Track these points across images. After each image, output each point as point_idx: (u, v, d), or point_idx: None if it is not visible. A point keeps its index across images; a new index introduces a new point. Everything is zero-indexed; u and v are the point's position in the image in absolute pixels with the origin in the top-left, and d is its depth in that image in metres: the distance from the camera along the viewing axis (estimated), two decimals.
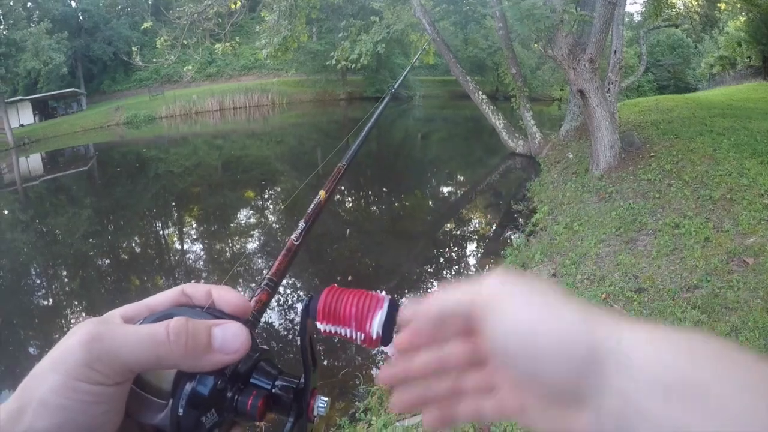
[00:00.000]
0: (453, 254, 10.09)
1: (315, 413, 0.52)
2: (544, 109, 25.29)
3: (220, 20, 17.88)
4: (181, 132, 33.39)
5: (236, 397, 0.49)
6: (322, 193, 0.77)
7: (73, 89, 39.63)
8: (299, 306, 8.17)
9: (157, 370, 0.47)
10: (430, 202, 14.79)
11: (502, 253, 8.33)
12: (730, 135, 10.10)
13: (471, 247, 10.61)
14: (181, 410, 0.45)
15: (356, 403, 4.89)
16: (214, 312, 0.51)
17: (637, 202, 8.12)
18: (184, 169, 21.18)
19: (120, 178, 20.24)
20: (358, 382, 5.27)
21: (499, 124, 15.87)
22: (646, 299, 5.16)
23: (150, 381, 0.48)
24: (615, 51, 10.90)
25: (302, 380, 0.52)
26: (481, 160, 18.95)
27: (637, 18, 33.45)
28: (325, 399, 0.53)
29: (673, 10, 22.56)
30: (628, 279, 5.77)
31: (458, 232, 11.40)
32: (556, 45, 9.86)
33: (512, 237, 9.66)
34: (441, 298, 0.50)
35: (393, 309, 0.53)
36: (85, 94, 42.52)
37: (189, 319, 0.46)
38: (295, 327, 7.50)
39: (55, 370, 0.41)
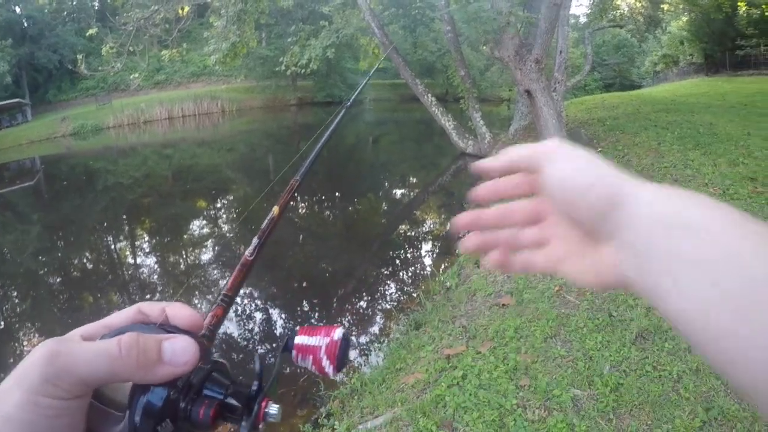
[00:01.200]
0: (408, 255, 10.14)
1: (267, 419, 0.54)
2: (494, 109, 25.66)
3: (167, 26, 17.57)
4: (130, 142, 32.80)
5: (189, 407, 0.50)
6: (275, 209, 0.78)
7: (17, 100, 38.50)
8: (257, 316, 8.12)
9: (112, 383, 0.49)
10: (384, 205, 14.83)
11: (456, 251, 8.40)
12: (673, 129, 10.39)
13: (426, 247, 10.67)
14: (137, 421, 0.47)
15: (318, 408, 4.87)
16: (168, 328, 0.53)
17: None
18: (133, 181, 20.81)
19: (68, 192, 19.78)
20: (319, 388, 5.25)
21: (449, 125, 16.00)
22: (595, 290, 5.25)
23: (108, 395, 0.51)
24: (561, 51, 11.13)
25: (253, 388, 0.54)
26: (432, 162, 19.08)
27: (582, 19, 34.12)
28: (277, 406, 0.54)
29: (618, 11, 23.10)
30: None
31: (412, 233, 11.46)
32: (503, 47, 10.01)
33: (466, 235, 9.74)
34: (511, 150, 0.59)
35: (346, 342, 0.58)
36: (30, 105, 41.32)
37: (140, 334, 0.49)
38: (254, 337, 7.45)
39: (18, 386, 0.43)
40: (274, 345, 7.15)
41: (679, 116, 11.84)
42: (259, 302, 8.59)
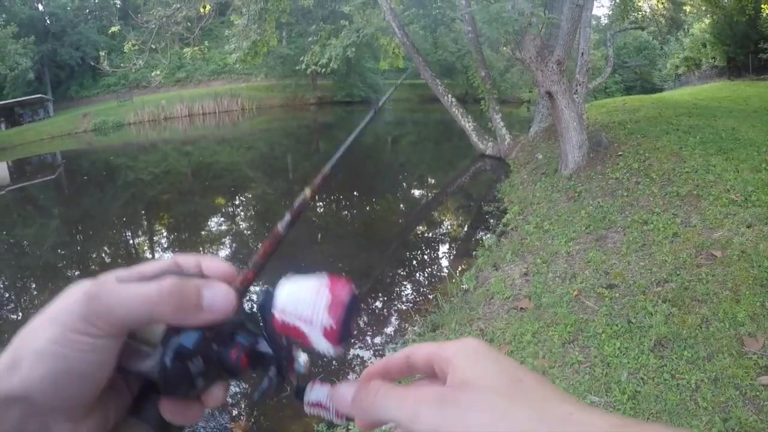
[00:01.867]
0: (425, 256, 10.13)
1: (296, 368, 0.55)
2: (513, 111, 25.55)
3: (189, 24, 17.71)
4: (150, 138, 33.03)
5: (221, 350, 0.51)
6: (308, 191, 0.75)
7: (39, 95, 38.90)
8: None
9: (150, 324, 0.50)
10: (402, 206, 14.81)
11: (474, 253, 8.37)
12: (695, 133, 10.28)
13: (443, 248, 10.65)
14: (169, 358, 0.48)
15: None
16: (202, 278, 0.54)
17: (605, 200, 8.22)
18: (153, 177, 20.96)
19: (89, 187, 19.97)
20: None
21: (469, 126, 15.96)
22: (617, 295, 5.23)
23: (143, 335, 0.51)
24: (582, 53, 11.04)
25: (284, 339, 0.54)
26: (451, 163, 19.04)
27: (604, 21, 33.95)
28: (305, 355, 0.56)
29: (640, 13, 22.88)
30: (599, 275, 5.84)
31: (430, 235, 11.44)
32: (524, 48, 9.95)
33: (483, 237, 9.70)
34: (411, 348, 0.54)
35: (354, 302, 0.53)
36: (52, 101, 41.75)
37: (181, 279, 0.49)
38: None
39: (53, 323, 0.44)
40: None
41: (701, 120, 11.72)
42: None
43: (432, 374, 0.51)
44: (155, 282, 0.48)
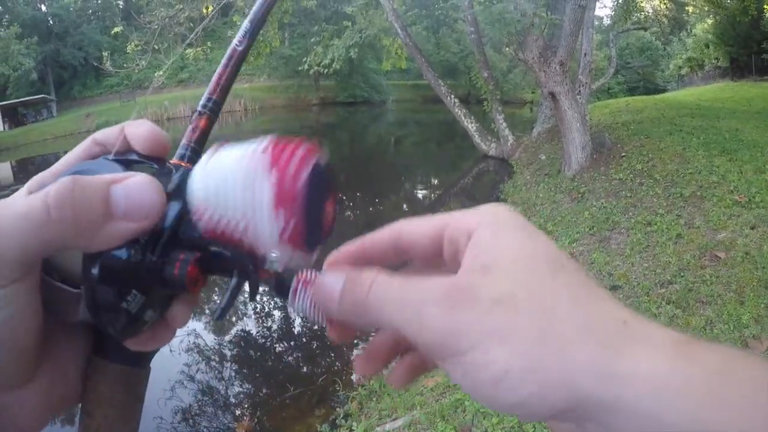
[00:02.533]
0: None
1: (267, 265, 0.38)
2: (516, 111, 25.50)
3: (191, 25, 17.72)
4: None
5: (158, 265, 0.37)
6: None
7: (43, 95, 39.01)
8: (276, 315, 8.12)
9: (51, 253, 0.35)
10: (405, 206, 14.78)
11: None
12: (699, 134, 10.25)
13: None
14: (94, 298, 0.36)
15: (336, 409, 4.86)
16: (126, 157, 0.41)
17: (609, 201, 8.21)
18: None
19: None
20: (337, 388, 5.24)
21: (472, 127, 15.93)
22: (621, 296, 5.21)
23: (63, 265, 0.38)
24: (585, 54, 11.02)
25: None
26: (454, 164, 19.01)
27: (606, 21, 33.83)
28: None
29: (642, 13, 22.86)
30: (602, 277, 5.82)
31: None
32: (527, 48, 9.94)
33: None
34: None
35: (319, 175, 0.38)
36: (56, 101, 41.89)
37: (76, 179, 0.34)
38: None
39: None
40: (293, 346, 7.17)
41: (704, 121, 11.70)
42: (278, 300, 8.58)
43: (434, 262, 0.40)
44: (40, 193, 0.33)
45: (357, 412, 4.60)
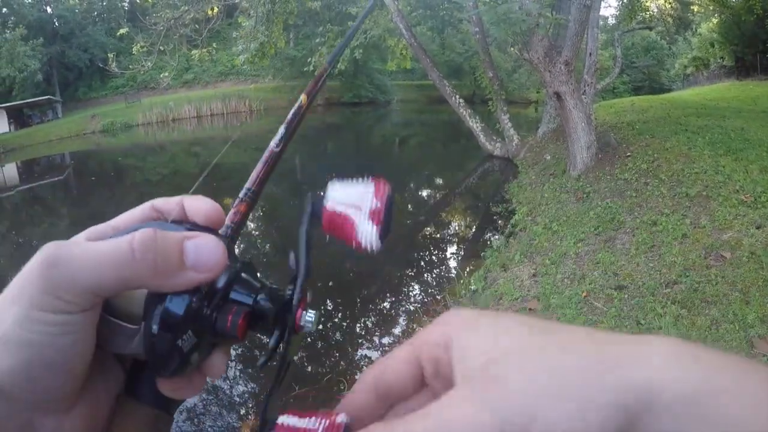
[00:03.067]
0: (433, 257, 10.12)
1: (302, 323, 0.47)
2: (521, 111, 25.51)
3: (196, 26, 17.77)
4: (158, 140, 33.14)
5: (214, 315, 0.43)
6: (303, 97, 0.70)
7: (48, 97, 39.06)
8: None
9: (124, 292, 0.41)
10: (410, 206, 14.79)
11: (482, 254, 8.36)
12: (704, 133, 10.23)
13: (451, 249, 10.64)
14: (154, 335, 0.40)
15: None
16: (187, 225, 0.46)
17: (614, 201, 8.20)
18: (161, 178, 21.03)
19: (97, 188, 20.04)
20: (342, 388, 5.26)
21: (477, 127, 15.94)
22: (626, 296, 5.21)
23: (120, 305, 0.43)
24: (590, 53, 11.01)
25: (288, 291, 0.47)
26: (459, 164, 19.01)
27: (611, 21, 33.82)
28: (314, 312, 0.47)
29: (647, 13, 22.86)
30: (607, 277, 5.82)
31: (438, 235, 11.43)
32: (531, 48, 9.94)
33: (492, 239, 9.70)
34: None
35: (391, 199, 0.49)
36: (61, 102, 41.93)
37: (157, 231, 0.40)
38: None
39: (14, 302, 0.37)
40: (297, 346, 7.19)
41: (709, 121, 11.67)
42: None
43: (417, 387, 0.41)
44: (126, 236, 0.39)
45: None
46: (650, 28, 34.36)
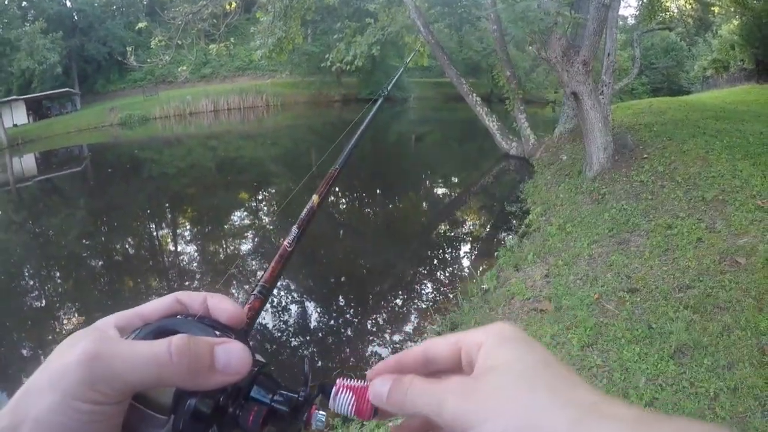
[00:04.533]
0: (447, 255, 10.11)
1: (313, 426, 0.52)
2: (538, 111, 25.40)
3: (215, 21, 17.81)
4: (175, 133, 33.37)
5: (237, 412, 0.48)
6: (315, 198, 0.76)
7: (67, 89, 39.42)
8: (293, 309, 8.19)
9: (159, 387, 0.45)
10: (424, 204, 14.81)
11: (495, 254, 8.34)
12: (722, 137, 10.14)
13: (465, 248, 10.63)
14: (182, 427, 0.45)
15: None
16: (210, 323, 0.51)
17: (629, 203, 8.15)
18: (177, 171, 21.16)
19: (114, 179, 20.20)
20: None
21: (493, 126, 15.90)
22: (638, 299, 5.18)
23: (149, 396, 0.47)
24: (608, 53, 10.94)
25: (301, 394, 0.52)
26: (474, 162, 18.99)
27: (630, 21, 33.54)
28: (324, 413, 0.53)
29: (667, 13, 22.64)
30: (620, 279, 5.79)
31: (452, 234, 11.42)
32: (550, 47, 9.88)
33: (505, 238, 9.69)
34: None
35: None
36: (80, 94, 42.31)
37: (191, 338, 0.45)
38: (288, 332, 7.50)
39: (52, 388, 0.40)
40: (309, 340, 7.21)
41: (728, 124, 11.57)
42: (295, 295, 8.66)
43: (455, 368, 0.49)
44: (164, 341, 0.44)
45: None
46: (670, 29, 34.04)
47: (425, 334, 6.49)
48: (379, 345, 6.76)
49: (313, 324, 7.69)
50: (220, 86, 43.76)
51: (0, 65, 32.25)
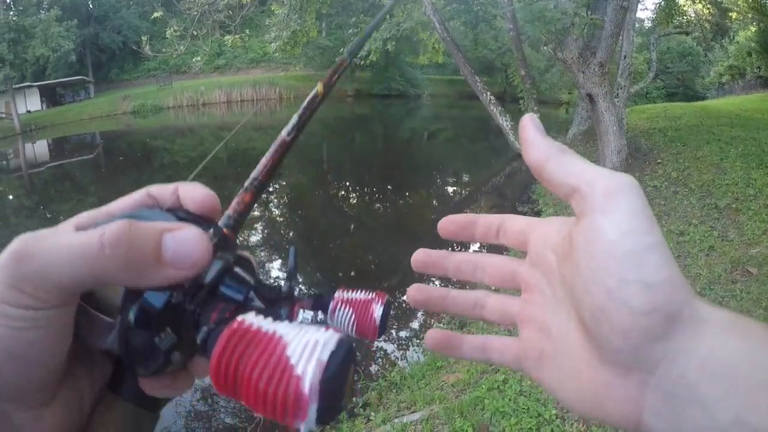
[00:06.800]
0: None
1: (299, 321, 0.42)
2: (552, 112, 25.29)
3: (230, 12, 17.85)
4: (188, 123, 33.44)
5: (198, 311, 0.40)
6: (319, 87, 0.66)
7: (81, 77, 39.64)
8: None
9: (98, 286, 0.38)
10: (435, 202, 14.76)
11: (505, 253, 8.28)
12: (737, 144, 10.06)
13: (474, 247, 10.59)
14: (128, 331, 0.38)
15: (354, 398, 4.87)
16: (179, 213, 0.43)
17: None
18: (189, 160, 21.18)
19: (125, 167, 20.28)
20: (356, 378, 5.26)
21: (507, 125, 15.83)
22: None
23: (102, 297, 0.41)
24: (625, 56, 10.88)
25: (284, 289, 0.44)
26: (487, 161, 18.94)
27: (647, 24, 33.37)
28: (311, 312, 0.43)
29: (684, 17, 22.52)
30: None
31: None
32: (566, 48, 9.83)
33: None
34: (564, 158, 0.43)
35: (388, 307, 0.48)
36: (93, 82, 42.53)
37: (132, 224, 0.37)
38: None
39: None
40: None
41: (743, 132, 11.47)
42: (301, 287, 8.66)
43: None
44: (96, 230, 0.36)
45: (376, 403, 4.62)
46: (687, 33, 33.77)
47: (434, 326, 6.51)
48: (384, 341, 6.76)
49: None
50: (233, 78, 43.80)
51: (15, 52, 32.39)
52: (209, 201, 0.46)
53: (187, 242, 0.38)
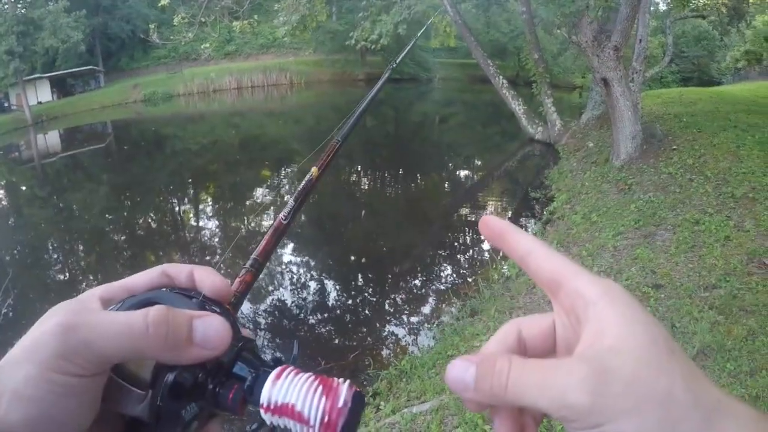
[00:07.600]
0: (467, 239, 10.04)
1: None
2: (565, 96, 25.05)
3: None
4: (199, 110, 33.50)
5: (217, 389, 0.46)
6: (314, 170, 0.74)
7: (91, 67, 39.63)
8: (311, 286, 8.17)
9: (134, 359, 0.44)
10: (446, 186, 14.71)
11: None
12: (754, 132, 9.89)
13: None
14: (160, 402, 0.43)
15: (365, 387, 4.85)
16: (195, 296, 0.49)
17: (657, 195, 8.00)
18: (200, 147, 21.23)
19: (137, 155, 20.36)
20: (368, 365, 5.25)
21: (519, 109, 15.72)
22: (662, 296, 5.07)
23: (129, 369, 0.45)
24: (640, 40, 10.69)
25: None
26: (499, 146, 18.86)
27: (663, 7, 32.97)
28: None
29: (701, 0, 22.18)
30: (645, 274, 5.67)
31: (473, 218, 11.32)
32: (580, 31, 9.71)
33: (528, 225, 9.59)
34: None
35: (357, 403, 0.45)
36: (103, 72, 42.49)
37: (170, 309, 0.43)
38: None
39: (28, 360, 0.39)
40: (323, 319, 7.19)
41: (760, 119, 11.26)
42: (314, 273, 8.67)
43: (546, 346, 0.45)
44: (141, 312, 0.42)
45: (386, 392, 4.61)
46: (703, 17, 33.32)
47: (442, 317, 6.49)
48: (396, 326, 6.76)
49: (330, 303, 7.67)
50: (243, 64, 43.69)
51: (24, 44, 32.44)
52: (223, 289, 0.51)
53: (212, 327, 0.45)
